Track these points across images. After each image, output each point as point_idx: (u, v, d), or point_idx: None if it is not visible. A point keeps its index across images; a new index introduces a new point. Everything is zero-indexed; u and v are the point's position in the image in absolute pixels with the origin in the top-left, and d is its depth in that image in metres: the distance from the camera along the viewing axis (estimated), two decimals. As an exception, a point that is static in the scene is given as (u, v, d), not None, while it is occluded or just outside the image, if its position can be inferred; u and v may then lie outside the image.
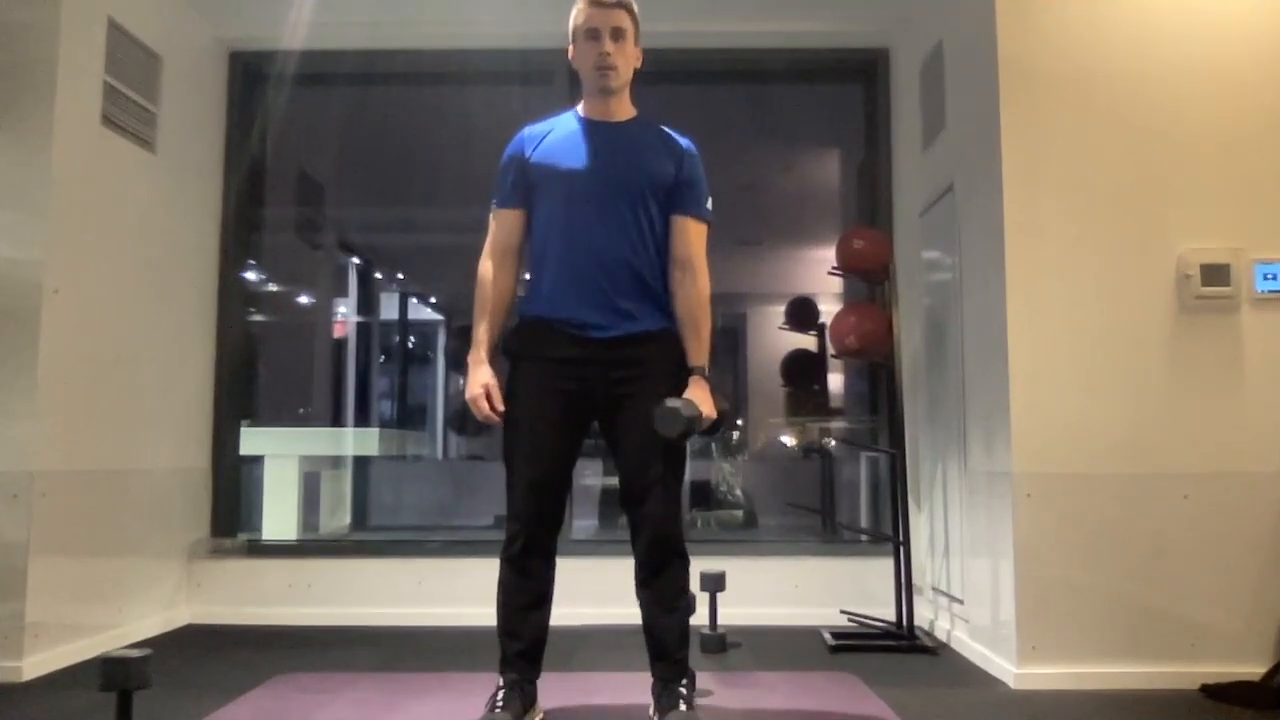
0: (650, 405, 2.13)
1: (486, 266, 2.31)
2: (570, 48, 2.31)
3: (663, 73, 4.36)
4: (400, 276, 7.58)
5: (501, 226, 2.33)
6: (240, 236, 4.07)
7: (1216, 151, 2.81)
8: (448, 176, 5.67)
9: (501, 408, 2.23)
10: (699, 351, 2.25)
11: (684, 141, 2.34)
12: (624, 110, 2.33)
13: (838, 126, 4.84)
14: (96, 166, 3.15)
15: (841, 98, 4.43)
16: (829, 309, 4.59)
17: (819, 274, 4.74)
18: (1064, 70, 2.85)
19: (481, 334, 2.28)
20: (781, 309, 5.00)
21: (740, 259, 7.28)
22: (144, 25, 3.39)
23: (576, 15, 2.28)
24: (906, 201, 3.91)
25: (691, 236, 2.29)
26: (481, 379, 2.24)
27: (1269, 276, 2.78)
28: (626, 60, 2.28)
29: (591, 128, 2.30)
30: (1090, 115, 2.83)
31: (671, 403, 2.10)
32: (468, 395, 2.25)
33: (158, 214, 3.52)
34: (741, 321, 7.62)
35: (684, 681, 2.24)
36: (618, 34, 2.24)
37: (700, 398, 2.18)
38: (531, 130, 2.35)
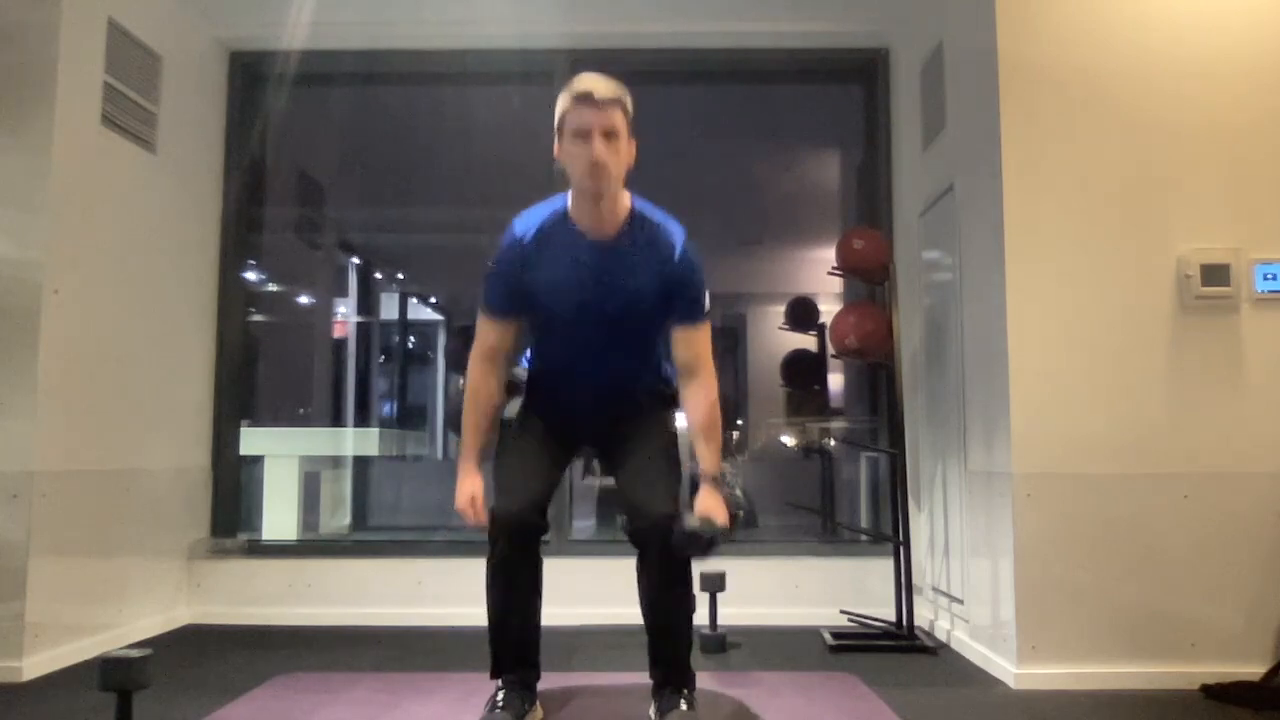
0: (645, 440, 2.27)
1: (476, 373, 2.30)
2: (555, 144, 2.17)
3: (663, 73, 4.40)
4: (400, 276, 7.58)
5: (493, 332, 2.29)
6: (240, 236, 4.07)
7: (1216, 151, 2.81)
8: (448, 176, 5.68)
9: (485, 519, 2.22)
10: (712, 460, 2.22)
11: (675, 242, 2.21)
12: (615, 215, 2.20)
13: (838, 126, 4.84)
14: (96, 166, 3.14)
15: (841, 98, 4.43)
16: (829, 309, 4.58)
17: (819, 274, 4.73)
18: (1064, 70, 2.85)
19: (470, 441, 2.29)
20: (781, 309, 4.99)
21: (740, 259, 7.27)
22: (144, 25, 3.39)
23: (564, 113, 2.13)
24: (906, 201, 3.91)
25: (695, 343, 2.25)
26: (468, 490, 2.24)
27: (1269, 276, 2.78)
28: (619, 161, 2.13)
29: (584, 250, 2.19)
30: (1090, 115, 2.83)
31: (691, 524, 2.10)
32: (456, 505, 2.25)
33: (158, 214, 3.52)
34: (741, 321, 7.61)
35: (684, 681, 2.24)
36: (610, 134, 2.09)
37: (713, 507, 2.16)
38: (525, 237, 2.22)
